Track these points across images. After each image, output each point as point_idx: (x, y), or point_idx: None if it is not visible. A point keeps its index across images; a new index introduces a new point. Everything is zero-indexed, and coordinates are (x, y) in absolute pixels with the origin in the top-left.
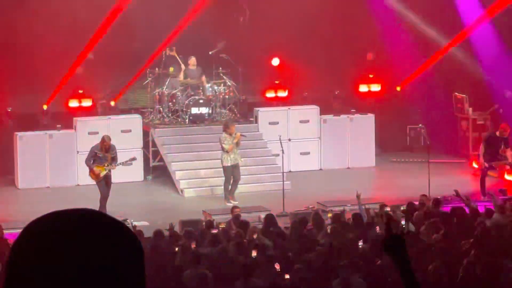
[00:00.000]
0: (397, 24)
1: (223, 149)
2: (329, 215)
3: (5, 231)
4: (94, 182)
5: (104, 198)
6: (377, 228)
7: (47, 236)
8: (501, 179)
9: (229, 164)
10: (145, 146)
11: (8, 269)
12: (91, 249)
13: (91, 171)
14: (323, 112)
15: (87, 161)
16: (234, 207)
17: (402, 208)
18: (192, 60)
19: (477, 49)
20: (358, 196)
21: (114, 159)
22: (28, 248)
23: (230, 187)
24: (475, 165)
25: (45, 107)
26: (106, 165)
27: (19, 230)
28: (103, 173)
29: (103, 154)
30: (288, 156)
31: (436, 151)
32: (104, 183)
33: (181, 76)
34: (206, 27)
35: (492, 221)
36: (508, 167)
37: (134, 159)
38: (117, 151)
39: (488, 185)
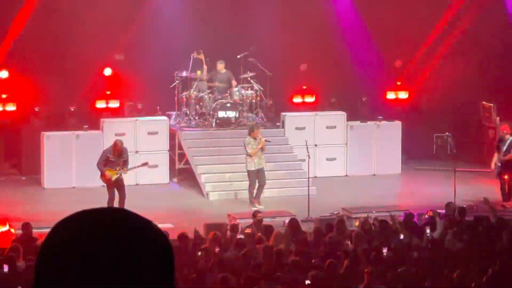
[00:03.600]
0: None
1: (246, 153)
2: (356, 223)
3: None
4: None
5: (111, 201)
6: (401, 235)
7: (77, 234)
8: None
9: (253, 169)
10: (171, 148)
11: (38, 266)
12: (121, 247)
13: (103, 175)
14: (350, 118)
15: (99, 165)
16: (257, 211)
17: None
18: (221, 64)
19: None
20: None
21: (125, 162)
22: (58, 245)
23: (255, 191)
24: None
25: (72, 107)
26: (117, 169)
27: (44, 230)
28: (114, 177)
29: (115, 158)
30: (314, 161)
31: (462, 160)
32: (115, 187)
33: (204, 75)
34: (235, 31)
35: None
36: None
37: (146, 164)
38: (128, 154)
39: None
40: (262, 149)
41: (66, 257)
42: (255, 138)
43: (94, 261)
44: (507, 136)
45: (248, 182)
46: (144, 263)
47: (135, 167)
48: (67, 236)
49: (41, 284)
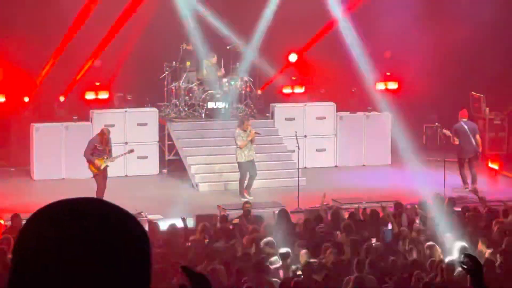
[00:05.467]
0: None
1: (236, 145)
2: (346, 216)
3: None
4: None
5: (101, 191)
6: (389, 225)
7: (52, 224)
8: None
9: (243, 160)
10: (161, 139)
11: (14, 258)
12: (97, 237)
13: (92, 164)
14: (339, 109)
15: (87, 154)
16: (245, 202)
17: (409, 206)
18: (214, 59)
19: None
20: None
21: (110, 151)
22: (33, 235)
23: (246, 182)
24: (491, 165)
25: (61, 98)
26: (105, 157)
27: None
28: (103, 166)
29: (102, 147)
30: (304, 152)
31: (452, 150)
32: (102, 176)
33: (201, 72)
34: (226, 21)
35: (508, 221)
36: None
37: (132, 151)
38: (118, 145)
39: (504, 185)
40: (251, 141)
41: (40, 248)
42: (245, 130)
43: (68, 252)
44: (462, 119)
45: (239, 174)
46: (119, 253)
47: (121, 155)
48: (41, 228)
49: (17, 277)
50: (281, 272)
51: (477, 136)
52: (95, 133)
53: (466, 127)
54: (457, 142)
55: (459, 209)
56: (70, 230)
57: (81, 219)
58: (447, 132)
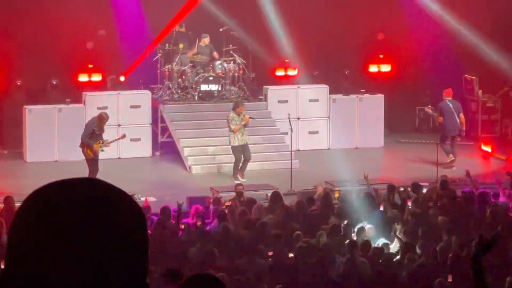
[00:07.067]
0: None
1: (230, 128)
2: (336, 195)
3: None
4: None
5: (94, 175)
6: (381, 207)
7: (48, 204)
8: (509, 161)
9: (237, 144)
10: (154, 122)
11: (10, 239)
12: (94, 218)
13: (89, 148)
14: (332, 91)
15: (85, 138)
16: (238, 184)
17: (401, 189)
18: (206, 39)
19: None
20: (366, 177)
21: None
22: (29, 218)
23: (240, 165)
24: (484, 148)
25: (54, 81)
26: (100, 142)
27: None
28: (99, 150)
29: (100, 131)
30: (297, 135)
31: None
32: (95, 160)
33: (194, 50)
34: (218, 3)
35: (500, 204)
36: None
37: (124, 136)
38: (111, 127)
39: (496, 167)
40: (245, 125)
41: (36, 231)
42: (239, 114)
43: (64, 234)
44: (446, 98)
45: (233, 157)
46: (116, 234)
47: (115, 140)
48: (38, 210)
49: (14, 258)
50: (270, 253)
51: (461, 115)
52: (87, 116)
53: (451, 105)
54: (441, 120)
55: (452, 191)
56: (66, 212)
57: (77, 200)
58: (430, 111)
